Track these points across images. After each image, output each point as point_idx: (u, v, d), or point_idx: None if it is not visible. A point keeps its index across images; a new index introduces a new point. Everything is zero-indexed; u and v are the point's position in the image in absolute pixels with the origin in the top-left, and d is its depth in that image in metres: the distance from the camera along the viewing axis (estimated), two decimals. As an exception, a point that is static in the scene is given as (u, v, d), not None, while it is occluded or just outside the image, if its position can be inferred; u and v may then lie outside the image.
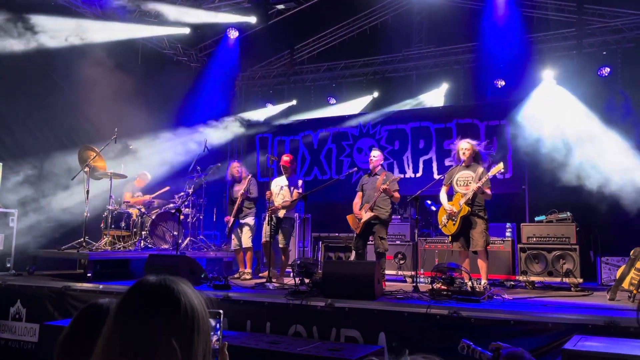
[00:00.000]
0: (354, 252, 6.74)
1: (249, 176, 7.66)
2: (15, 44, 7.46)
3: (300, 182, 7.30)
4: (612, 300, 5.08)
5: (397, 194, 6.48)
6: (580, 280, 6.16)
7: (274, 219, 7.03)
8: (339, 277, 5.15)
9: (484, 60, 9.97)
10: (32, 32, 7.68)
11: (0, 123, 7.68)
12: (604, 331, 3.76)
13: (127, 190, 8.64)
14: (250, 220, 7.54)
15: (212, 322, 1.29)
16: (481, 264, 5.86)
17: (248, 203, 7.58)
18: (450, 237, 6.06)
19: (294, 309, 4.88)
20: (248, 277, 7.31)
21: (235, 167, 7.78)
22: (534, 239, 6.60)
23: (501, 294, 5.10)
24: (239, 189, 7.59)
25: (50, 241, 7.75)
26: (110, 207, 7.67)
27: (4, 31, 7.36)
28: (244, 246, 7.50)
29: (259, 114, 11.69)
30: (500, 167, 5.83)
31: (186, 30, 9.77)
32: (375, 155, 6.80)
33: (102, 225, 7.78)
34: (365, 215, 6.49)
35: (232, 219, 7.53)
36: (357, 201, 6.76)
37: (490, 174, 5.85)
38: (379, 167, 6.79)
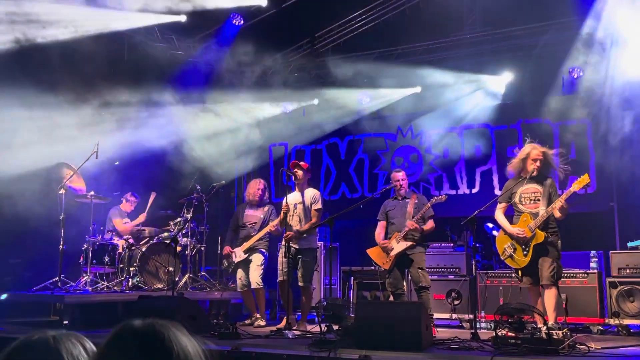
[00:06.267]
0: (391, 295, 6.71)
1: (270, 207, 7.72)
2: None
3: (318, 195, 7.31)
4: None
5: (432, 222, 6.62)
6: (690, 324, 6.00)
7: (291, 249, 7.01)
8: (377, 322, 5.16)
9: (557, 45, 9.86)
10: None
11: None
12: None
13: (114, 216, 8.76)
14: (259, 254, 7.52)
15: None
16: (548, 301, 5.66)
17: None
18: (519, 271, 5.94)
19: (320, 364, 4.86)
20: (262, 323, 7.32)
21: (259, 188, 7.77)
22: (628, 271, 6.53)
23: (586, 342, 5.04)
24: (252, 215, 7.62)
25: (18, 281, 7.90)
26: (91, 238, 7.80)
27: None
28: (253, 287, 7.48)
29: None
30: (585, 179, 5.71)
31: (182, 18, 9.98)
32: (402, 176, 6.98)
33: (81, 260, 7.91)
34: (399, 246, 6.51)
35: (236, 252, 7.53)
36: (379, 231, 6.88)
37: (573, 189, 5.74)
38: (407, 190, 6.97)
